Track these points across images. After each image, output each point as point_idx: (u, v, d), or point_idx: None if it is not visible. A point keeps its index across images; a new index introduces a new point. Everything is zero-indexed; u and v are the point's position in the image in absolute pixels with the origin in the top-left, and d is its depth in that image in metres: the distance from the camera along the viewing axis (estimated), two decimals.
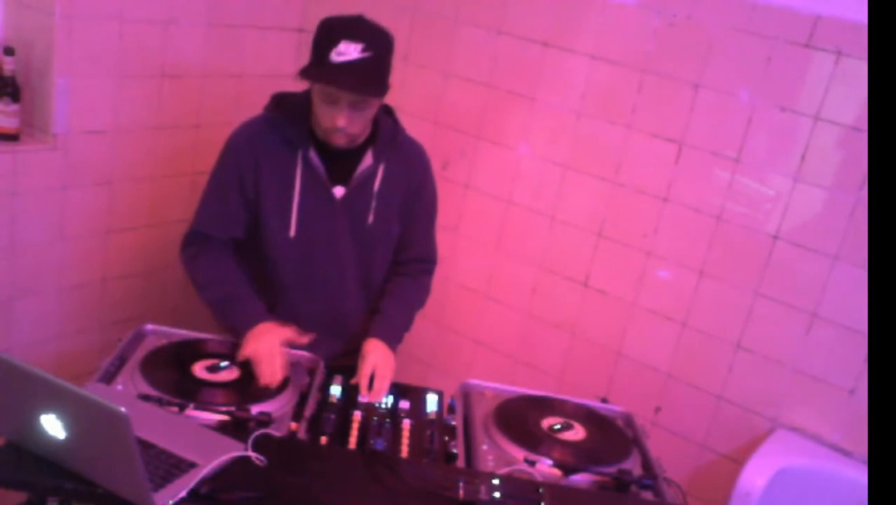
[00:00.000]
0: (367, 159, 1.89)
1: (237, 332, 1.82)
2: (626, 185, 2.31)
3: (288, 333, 1.81)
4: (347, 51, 1.70)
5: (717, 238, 2.19)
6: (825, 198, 2.03)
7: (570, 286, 2.45)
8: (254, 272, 1.94)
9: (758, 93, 2.07)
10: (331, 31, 1.73)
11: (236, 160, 1.88)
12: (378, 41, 1.74)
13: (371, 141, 1.89)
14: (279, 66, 2.71)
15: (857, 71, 1.94)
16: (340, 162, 1.88)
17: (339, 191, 1.89)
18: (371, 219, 1.92)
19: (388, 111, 1.97)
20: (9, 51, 2.13)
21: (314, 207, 1.89)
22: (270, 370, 1.71)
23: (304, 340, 1.84)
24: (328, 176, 1.87)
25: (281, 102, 1.90)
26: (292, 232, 1.88)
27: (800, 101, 2.03)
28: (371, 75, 1.73)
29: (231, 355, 1.78)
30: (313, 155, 1.86)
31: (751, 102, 2.09)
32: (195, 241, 1.93)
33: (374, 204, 1.92)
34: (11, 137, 2.17)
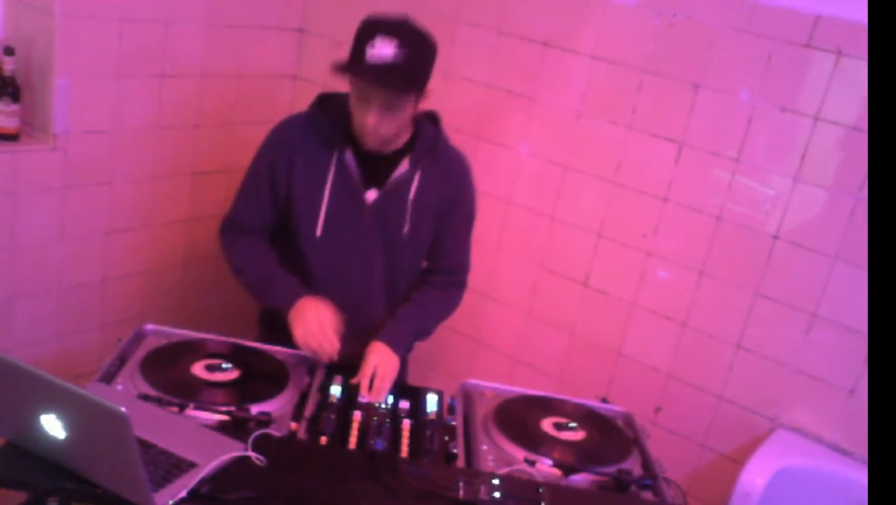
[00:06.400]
0: (404, 165, 1.88)
1: (279, 311, 1.83)
2: (626, 185, 2.31)
3: (329, 310, 1.82)
4: (382, 47, 1.68)
5: (717, 238, 2.19)
6: (825, 198, 2.03)
7: (570, 286, 2.45)
8: (286, 267, 1.95)
9: (758, 93, 2.07)
10: (370, 27, 1.72)
11: (271, 154, 1.90)
12: (415, 42, 1.73)
13: (410, 147, 1.89)
14: (279, 66, 2.71)
15: (857, 71, 1.94)
16: (376, 166, 1.87)
17: (371, 194, 1.88)
18: (406, 228, 1.91)
19: (433, 120, 1.96)
20: (9, 51, 2.13)
21: (344, 209, 1.88)
22: (325, 347, 1.75)
23: (340, 330, 1.83)
24: (362, 179, 1.87)
25: (324, 102, 1.91)
26: (318, 231, 1.89)
27: (800, 101, 2.03)
28: (403, 74, 1.70)
29: (230, 355, 1.78)
30: (349, 156, 1.85)
31: (751, 102, 2.09)
32: (231, 229, 1.96)
33: (409, 213, 1.91)
34: (11, 137, 2.17)
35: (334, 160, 1.86)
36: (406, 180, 1.89)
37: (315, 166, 1.87)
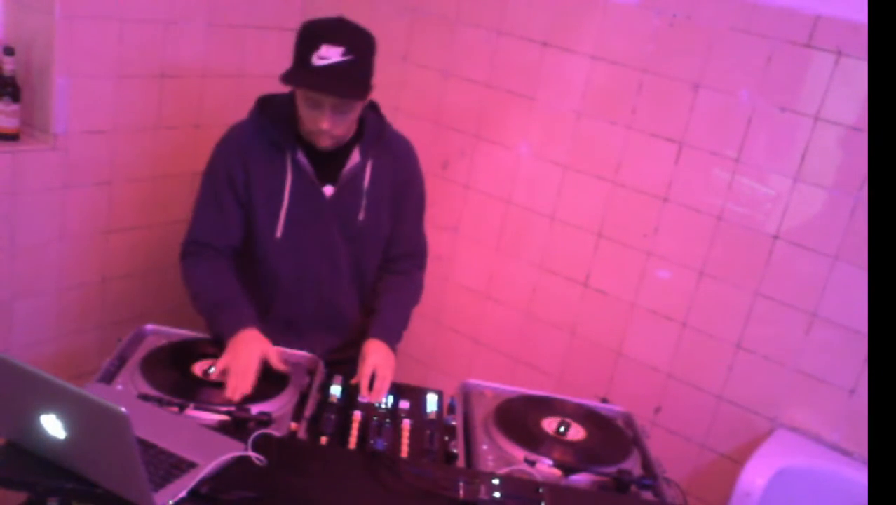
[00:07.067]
0: (355, 157, 1.90)
1: (223, 339, 1.78)
2: (626, 185, 2.31)
3: (270, 349, 1.76)
4: (329, 54, 1.71)
5: (717, 238, 2.19)
6: (825, 198, 2.03)
7: (570, 286, 2.45)
8: (248, 273, 1.95)
9: (758, 93, 2.07)
10: (311, 34, 1.74)
11: (225, 165, 1.89)
12: (359, 44, 1.75)
13: (357, 138, 1.91)
14: (279, 66, 2.69)
15: (857, 71, 1.94)
16: (328, 161, 1.89)
17: (328, 190, 1.90)
18: (362, 216, 1.93)
19: (373, 107, 1.98)
20: (9, 51, 2.13)
21: (305, 208, 1.89)
22: (239, 384, 1.64)
23: (282, 367, 1.75)
24: (317, 176, 1.88)
25: (266, 105, 1.91)
26: (278, 233, 1.89)
27: (800, 101, 2.03)
28: (353, 78, 1.74)
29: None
30: (301, 156, 1.87)
31: (751, 102, 2.09)
32: (193, 252, 1.92)
33: (364, 201, 1.93)
34: (11, 137, 2.17)
35: (289, 162, 1.87)
36: (359, 171, 1.91)
37: (272, 171, 1.87)
